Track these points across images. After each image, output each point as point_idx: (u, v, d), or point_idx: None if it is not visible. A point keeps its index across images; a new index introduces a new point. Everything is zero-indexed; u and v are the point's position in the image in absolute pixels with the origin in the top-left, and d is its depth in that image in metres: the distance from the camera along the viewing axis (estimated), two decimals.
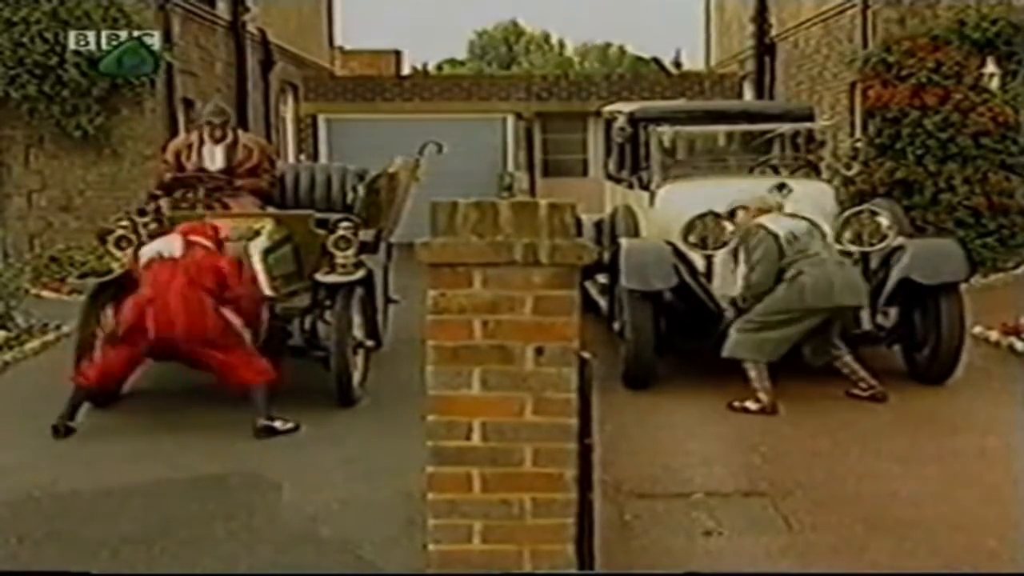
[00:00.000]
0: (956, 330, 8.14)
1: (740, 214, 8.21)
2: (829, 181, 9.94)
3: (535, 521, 3.84)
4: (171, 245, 7.51)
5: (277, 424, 7.19)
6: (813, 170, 10.06)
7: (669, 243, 8.51)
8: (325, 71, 24.26)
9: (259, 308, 7.69)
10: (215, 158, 9.13)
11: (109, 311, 7.83)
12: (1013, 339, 9.32)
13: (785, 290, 7.71)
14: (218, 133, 9.16)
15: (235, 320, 7.37)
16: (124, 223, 8.32)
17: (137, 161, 13.96)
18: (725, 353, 7.82)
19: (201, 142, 9.22)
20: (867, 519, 5.59)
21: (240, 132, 9.79)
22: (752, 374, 7.68)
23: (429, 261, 3.78)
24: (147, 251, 7.61)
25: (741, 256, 8.05)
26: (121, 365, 7.40)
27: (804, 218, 8.13)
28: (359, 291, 8.15)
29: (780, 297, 7.73)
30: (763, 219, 7.95)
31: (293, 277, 8.29)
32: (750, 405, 7.61)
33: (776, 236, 7.76)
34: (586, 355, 3.88)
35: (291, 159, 19.39)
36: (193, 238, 7.54)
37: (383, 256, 9.59)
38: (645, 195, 9.85)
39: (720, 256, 8.43)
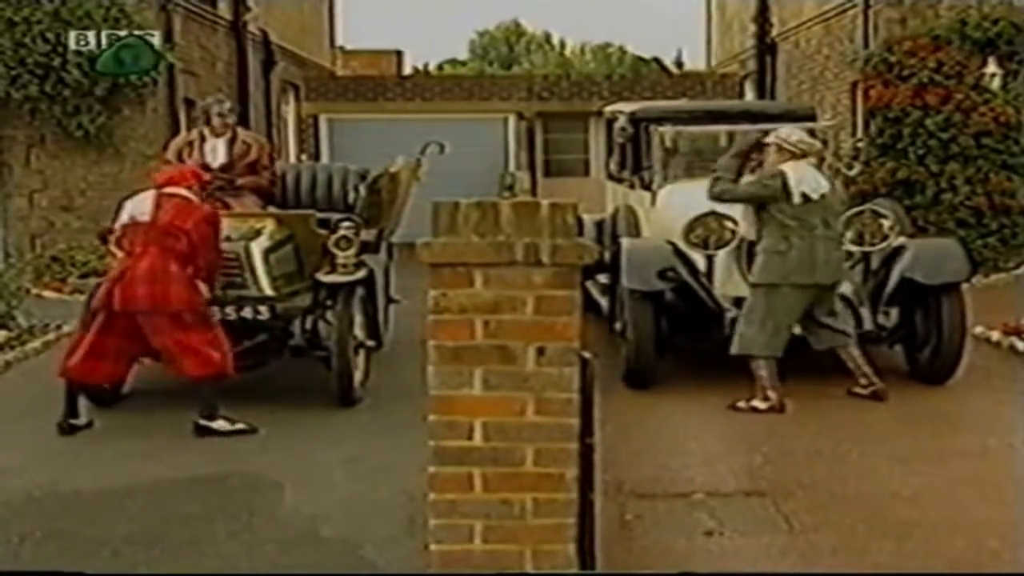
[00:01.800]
0: (957, 330, 8.13)
1: (771, 154, 7.78)
2: (831, 181, 9.92)
3: (536, 521, 3.84)
4: (142, 205, 7.35)
5: (216, 424, 7.09)
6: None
7: (670, 243, 8.51)
8: (326, 71, 24.26)
9: (216, 270, 7.52)
10: (217, 153, 9.15)
11: None
12: (1014, 339, 9.32)
13: (774, 263, 7.61)
14: (218, 124, 9.20)
15: (206, 294, 7.27)
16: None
17: (139, 161, 13.95)
18: (734, 351, 7.74)
19: (203, 138, 9.25)
20: (868, 519, 5.58)
21: (239, 128, 9.82)
22: (763, 372, 7.61)
23: (430, 261, 3.78)
24: (124, 214, 7.48)
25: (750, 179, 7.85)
26: (103, 351, 7.21)
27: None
28: (360, 291, 8.15)
29: (766, 271, 7.64)
30: (790, 168, 7.61)
31: (294, 277, 8.28)
32: (758, 404, 7.56)
33: (789, 194, 7.52)
34: (587, 355, 3.88)
35: (292, 159, 19.40)
36: (168, 190, 7.34)
37: (384, 256, 9.59)
38: (646, 195, 9.85)
39: (721, 256, 8.42)
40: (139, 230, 7.25)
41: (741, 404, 7.62)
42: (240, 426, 7.16)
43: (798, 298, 7.66)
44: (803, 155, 7.72)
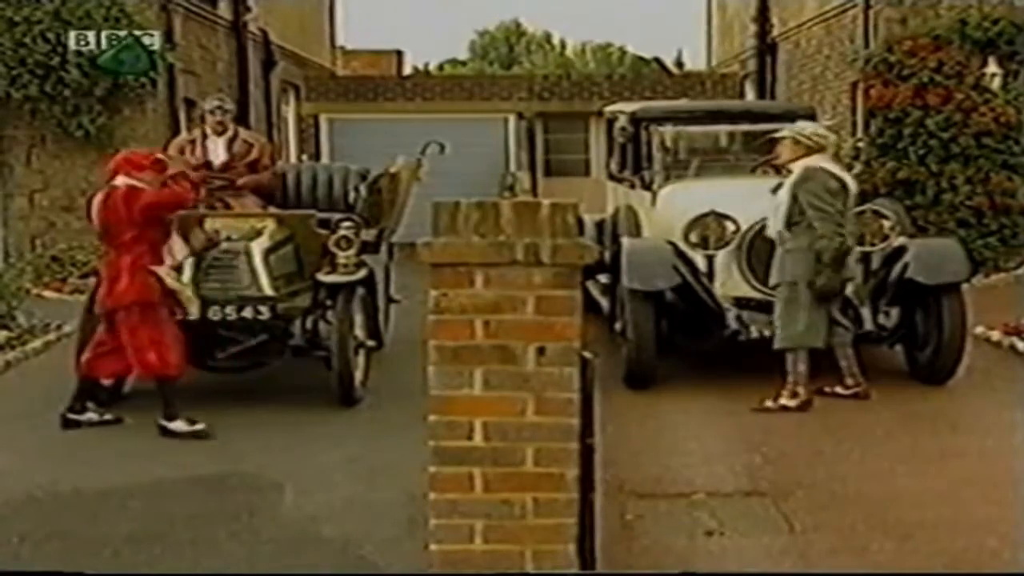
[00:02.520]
0: (958, 330, 8.12)
1: (788, 146, 7.72)
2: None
3: (537, 521, 3.84)
4: (96, 206, 7.29)
5: (175, 425, 7.08)
6: None
7: (671, 243, 8.51)
8: (327, 71, 24.26)
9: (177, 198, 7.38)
10: (218, 151, 9.17)
11: None
12: (1015, 339, 9.32)
13: (811, 259, 7.50)
14: (219, 120, 9.23)
15: (155, 292, 7.17)
16: None
17: None
18: (780, 345, 7.59)
19: (204, 136, 9.27)
20: (868, 519, 5.59)
21: (241, 128, 9.83)
22: (801, 368, 7.53)
23: (431, 261, 3.78)
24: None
25: (784, 200, 7.52)
26: (105, 348, 7.30)
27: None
28: (360, 291, 8.15)
29: (809, 266, 7.52)
30: (819, 161, 7.53)
31: (295, 277, 8.28)
32: (787, 402, 7.49)
33: (842, 182, 7.46)
34: (588, 355, 3.88)
35: (293, 159, 19.40)
36: (114, 183, 7.23)
37: (385, 256, 9.59)
38: (647, 195, 9.84)
39: (721, 256, 8.42)
40: (103, 235, 7.33)
41: (769, 404, 7.52)
42: (199, 427, 7.13)
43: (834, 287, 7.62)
44: (821, 148, 7.67)
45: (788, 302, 7.63)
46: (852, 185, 7.70)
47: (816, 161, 7.57)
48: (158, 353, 7.13)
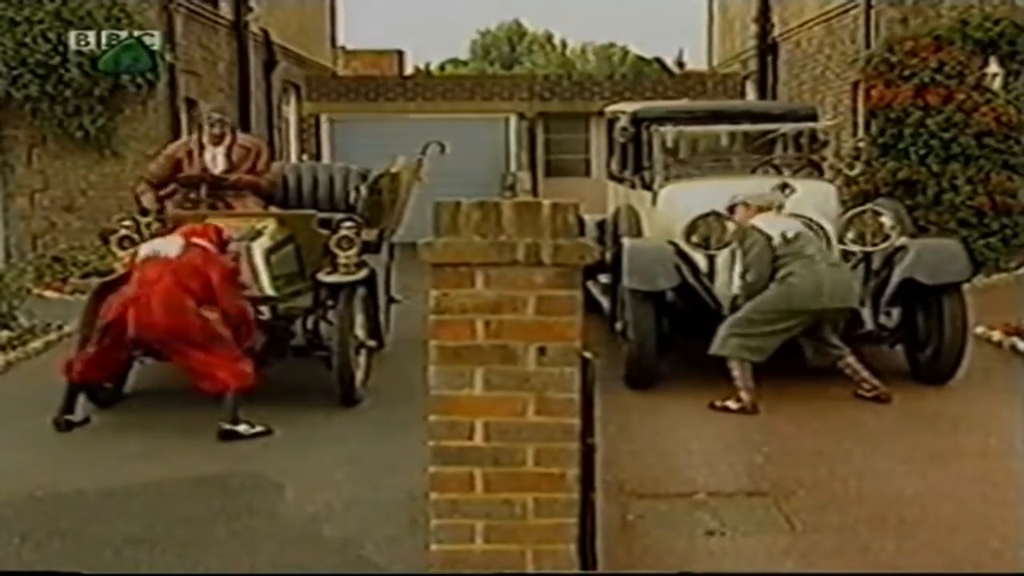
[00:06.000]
0: (959, 330, 8.13)
1: (740, 211, 8.13)
2: (832, 181, 9.95)
3: (537, 521, 3.84)
4: (169, 245, 7.44)
5: (241, 428, 7.08)
6: (816, 170, 10.07)
7: (671, 243, 8.51)
8: (328, 71, 24.27)
9: (247, 318, 7.49)
10: (217, 161, 9.19)
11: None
12: (1015, 339, 9.32)
13: (775, 290, 7.71)
14: (217, 131, 9.24)
15: (215, 320, 7.24)
16: (127, 223, 8.34)
17: (140, 161, 13.91)
18: (712, 350, 7.81)
19: (201, 146, 9.27)
20: (870, 519, 5.59)
21: (238, 133, 9.82)
22: (736, 373, 7.67)
23: (432, 261, 3.78)
24: (146, 248, 7.57)
25: (737, 256, 8.04)
26: (106, 360, 7.35)
27: (801, 216, 8.20)
28: (361, 291, 8.16)
29: (769, 297, 7.72)
30: (758, 219, 7.94)
31: (295, 277, 8.29)
32: (731, 404, 7.62)
33: (769, 238, 7.75)
34: (588, 355, 3.88)
35: (294, 159, 19.40)
36: (194, 240, 7.48)
37: (385, 256, 9.60)
38: (647, 195, 9.85)
39: (722, 256, 8.42)
40: (159, 263, 7.30)
41: (718, 403, 7.67)
42: (258, 429, 7.15)
43: (800, 321, 7.73)
44: (769, 208, 8.07)
45: (736, 314, 7.82)
46: (796, 229, 7.89)
47: (758, 218, 7.94)
48: (251, 366, 7.22)
